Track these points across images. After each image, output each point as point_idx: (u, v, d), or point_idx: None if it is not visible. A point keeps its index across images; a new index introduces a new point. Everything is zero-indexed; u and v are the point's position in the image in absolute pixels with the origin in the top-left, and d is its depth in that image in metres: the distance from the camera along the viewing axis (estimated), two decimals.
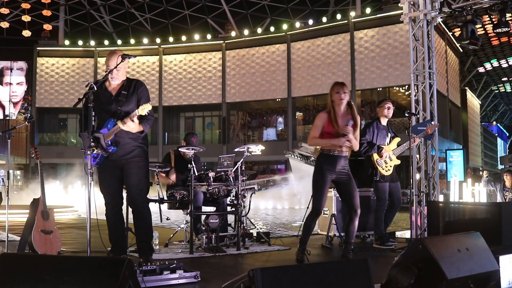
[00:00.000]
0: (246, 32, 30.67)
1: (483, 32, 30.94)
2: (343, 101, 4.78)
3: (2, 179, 6.03)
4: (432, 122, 6.60)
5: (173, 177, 6.40)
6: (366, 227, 6.55)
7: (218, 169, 6.32)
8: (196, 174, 5.78)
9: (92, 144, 3.95)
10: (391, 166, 6.04)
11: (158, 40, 31.99)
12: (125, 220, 4.94)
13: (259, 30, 30.60)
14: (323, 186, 4.70)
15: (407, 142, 6.07)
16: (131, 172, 4.49)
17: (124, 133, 4.41)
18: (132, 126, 4.34)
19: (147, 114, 4.30)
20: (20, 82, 33.02)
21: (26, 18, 29.80)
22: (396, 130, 6.54)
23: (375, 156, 6.04)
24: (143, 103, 4.34)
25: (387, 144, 6.16)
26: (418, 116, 7.25)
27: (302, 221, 5.09)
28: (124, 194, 4.80)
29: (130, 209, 4.90)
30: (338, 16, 28.18)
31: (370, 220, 6.53)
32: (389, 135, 6.21)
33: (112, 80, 4.48)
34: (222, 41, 31.06)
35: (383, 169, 6.02)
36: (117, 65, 4.33)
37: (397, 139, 6.20)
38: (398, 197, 6.16)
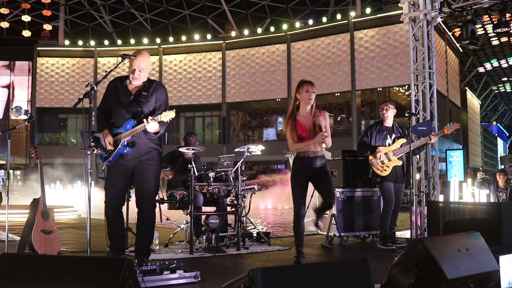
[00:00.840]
0: (246, 32, 30.66)
1: (483, 32, 30.94)
2: (311, 101, 4.75)
3: (2, 179, 6.04)
4: (450, 123, 6.25)
5: (170, 174, 6.39)
6: (367, 227, 6.55)
7: (218, 169, 6.32)
8: (196, 174, 5.78)
9: (92, 144, 3.94)
10: (387, 167, 6.01)
11: (158, 40, 31.98)
12: (125, 220, 4.91)
13: (259, 30, 30.59)
14: (296, 188, 4.76)
15: (417, 142, 6.07)
16: (144, 175, 4.41)
17: (141, 133, 4.34)
18: (155, 127, 4.25)
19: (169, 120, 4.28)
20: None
21: (26, 18, 29.80)
22: (401, 125, 6.44)
23: (370, 156, 6.05)
24: (163, 108, 4.34)
25: (389, 145, 6.12)
26: (418, 116, 7.25)
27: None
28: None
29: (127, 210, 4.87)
30: (338, 16, 28.17)
31: (371, 220, 6.53)
32: (393, 136, 6.16)
33: (134, 81, 4.42)
34: (222, 41, 31.06)
35: (377, 169, 6.01)
36: (117, 65, 4.31)
37: (402, 140, 6.10)
38: (398, 198, 6.11)
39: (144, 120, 4.20)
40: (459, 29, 7.26)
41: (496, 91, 50.53)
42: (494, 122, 59.63)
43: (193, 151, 5.68)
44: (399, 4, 7.81)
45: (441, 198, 7.76)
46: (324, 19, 29.16)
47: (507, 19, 6.86)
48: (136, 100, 4.40)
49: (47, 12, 29.89)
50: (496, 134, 59.76)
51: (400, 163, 6.05)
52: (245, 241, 6.11)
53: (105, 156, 4.39)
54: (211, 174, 5.94)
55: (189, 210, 5.69)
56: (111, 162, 4.40)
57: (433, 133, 6.02)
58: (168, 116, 4.18)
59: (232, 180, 5.95)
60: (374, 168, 6.03)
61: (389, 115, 6.17)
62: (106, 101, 4.52)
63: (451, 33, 30.08)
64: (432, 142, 6.09)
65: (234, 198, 6.11)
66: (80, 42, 32.36)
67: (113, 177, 4.44)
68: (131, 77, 4.39)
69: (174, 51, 31.72)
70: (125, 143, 4.32)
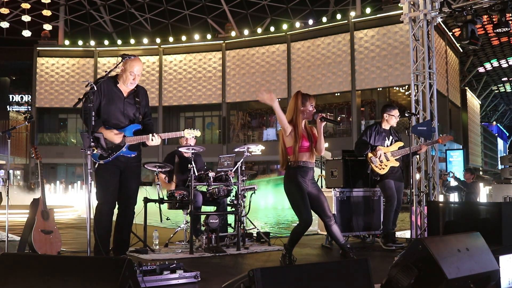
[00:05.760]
0: (246, 32, 30.67)
1: (483, 32, 30.94)
2: (310, 118, 4.66)
3: (2, 179, 6.04)
4: (444, 134, 6.42)
5: (172, 186, 6.40)
6: (367, 227, 6.54)
7: (218, 169, 6.32)
8: (196, 174, 5.78)
9: (92, 144, 3.94)
10: (386, 166, 6.02)
11: (158, 40, 31.99)
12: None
13: (259, 30, 30.60)
14: (301, 197, 4.55)
15: (415, 146, 6.11)
16: (133, 176, 4.61)
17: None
18: (157, 142, 4.52)
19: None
20: None
21: (26, 18, 29.83)
22: (396, 130, 6.49)
23: (369, 154, 6.06)
24: (149, 113, 4.68)
25: (387, 146, 6.14)
26: (418, 116, 7.26)
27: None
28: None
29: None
30: (338, 16, 28.18)
31: (371, 220, 6.53)
32: (391, 138, 6.19)
33: (130, 86, 4.55)
34: (222, 41, 31.06)
35: (376, 166, 6.02)
36: (117, 65, 4.35)
37: (399, 143, 6.16)
38: (399, 198, 6.13)
39: (150, 135, 4.44)
40: (459, 29, 7.27)
41: (496, 91, 50.56)
42: (494, 122, 59.65)
43: (193, 151, 5.68)
44: (399, 4, 7.81)
45: (441, 198, 7.77)
46: (324, 19, 29.17)
47: (507, 19, 6.87)
48: (131, 104, 4.57)
49: (47, 12, 29.91)
50: (496, 134, 59.78)
51: (397, 164, 6.07)
52: (245, 241, 6.11)
53: (102, 155, 4.41)
54: (211, 174, 5.94)
55: (189, 210, 5.68)
56: (108, 162, 4.44)
57: (426, 142, 6.12)
58: (191, 134, 4.66)
59: (232, 180, 5.95)
60: (372, 165, 6.04)
61: (394, 123, 6.23)
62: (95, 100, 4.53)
63: (451, 33, 30.09)
64: (422, 151, 6.26)
65: (234, 198, 6.11)
66: (80, 42, 32.37)
67: (110, 176, 4.50)
68: (129, 82, 4.50)
69: (174, 51, 31.72)
70: (128, 145, 4.48)
